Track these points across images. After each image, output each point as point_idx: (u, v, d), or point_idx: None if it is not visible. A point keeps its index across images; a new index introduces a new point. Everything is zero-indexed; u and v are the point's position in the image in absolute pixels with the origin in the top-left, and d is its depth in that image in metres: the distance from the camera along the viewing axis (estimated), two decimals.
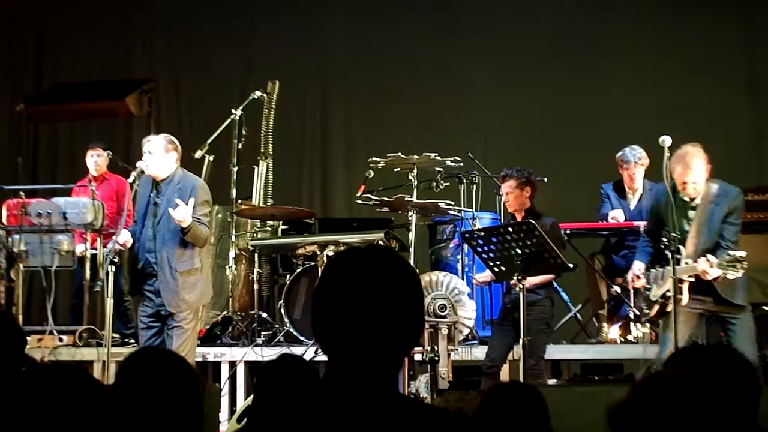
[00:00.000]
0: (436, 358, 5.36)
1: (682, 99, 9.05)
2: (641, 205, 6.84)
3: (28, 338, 5.79)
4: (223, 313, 7.12)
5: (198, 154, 7.17)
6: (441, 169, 6.83)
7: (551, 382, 6.09)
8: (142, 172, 5.61)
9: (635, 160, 6.76)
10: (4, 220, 7.03)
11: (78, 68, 10.08)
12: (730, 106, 9.20)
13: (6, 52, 10.37)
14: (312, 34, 9.90)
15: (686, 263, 5.15)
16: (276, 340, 6.82)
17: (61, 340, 6.78)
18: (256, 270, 7.05)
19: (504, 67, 9.50)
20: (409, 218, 6.51)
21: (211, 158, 7.32)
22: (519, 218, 5.71)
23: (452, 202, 6.77)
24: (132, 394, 2.28)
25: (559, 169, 8.07)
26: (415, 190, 6.61)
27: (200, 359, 6.49)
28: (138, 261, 5.66)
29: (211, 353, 6.70)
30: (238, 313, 7.10)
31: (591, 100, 9.32)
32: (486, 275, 6.09)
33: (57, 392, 2.05)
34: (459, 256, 7.00)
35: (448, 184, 6.96)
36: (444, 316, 5.48)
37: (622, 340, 6.72)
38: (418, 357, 5.58)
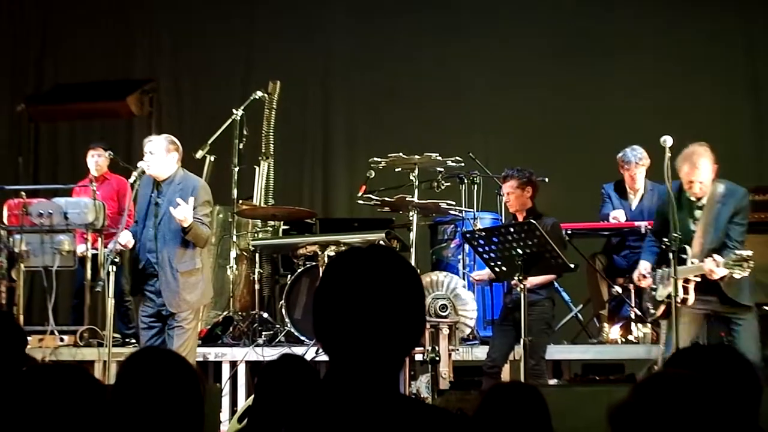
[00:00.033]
0: (437, 358, 5.36)
1: (682, 99, 9.05)
2: (642, 206, 6.85)
3: (29, 338, 5.79)
4: (224, 313, 7.12)
5: (199, 154, 7.18)
6: (442, 170, 6.83)
7: (552, 382, 6.09)
8: (143, 172, 5.61)
9: (636, 160, 6.76)
10: (5, 220, 7.04)
11: (78, 68, 10.08)
12: (730, 106, 9.20)
13: (7, 52, 10.37)
14: (312, 34, 9.90)
15: (692, 263, 5.15)
16: (277, 340, 6.82)
17: (62, 340, 6.78)
18: (257, 270, 7.05)
19: (504, 67, 9.50)
20: (410, 218, 6.52)
21: (212, 158, 7.32)
22: (520, 218, 5.71)
23: (453, 202, 6.77)
24: (133, 394, 2.28)
25: (559, 169, 8.07)
26: (416, 190, 6.61)
27: (201, 359, 6.49)
28: (139, 261, 5.66)
29: (212, 353, 6.70)
30: (239, 313, 7.10)
31: (591, 100, 9.32)
32: (483, 273, 6.10)
33: (58, 392, 2.05)
34: (460, 257, 7.00)
35: (449, 184, 6.96)
36: (445, 316, 5.48)
37: (623, 340, 6.72)
38: (419, 357, 5.58)
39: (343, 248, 6.30)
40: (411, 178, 6.65)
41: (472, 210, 7.00)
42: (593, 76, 9.34)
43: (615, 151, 7.01)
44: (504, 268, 5.27)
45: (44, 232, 6.88)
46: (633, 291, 6.70)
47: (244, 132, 7.42)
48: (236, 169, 7.37)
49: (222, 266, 7.27)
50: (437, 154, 6.59)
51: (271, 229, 7.49)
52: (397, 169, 6.84)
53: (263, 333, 6.83)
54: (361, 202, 6.99)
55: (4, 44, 10.38)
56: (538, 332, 5.50)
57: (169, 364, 2.36)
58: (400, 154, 6.60)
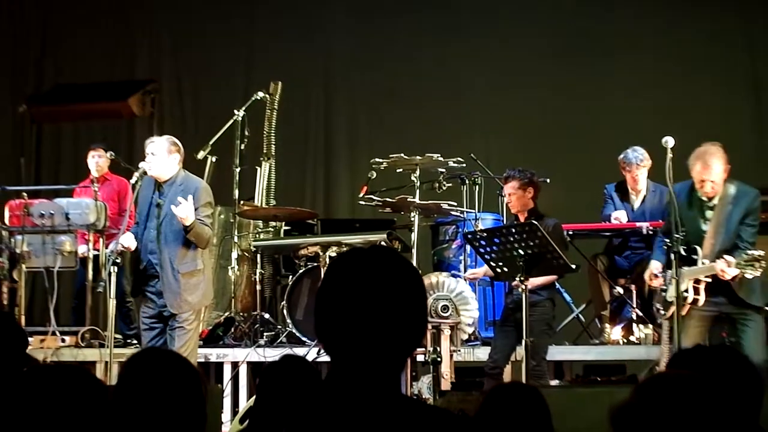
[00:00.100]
0: (439, 359, 5.36)
1: (682, 99, 9.05)
2: (644, 207, 6.84)
3: (30, 339, 5.81)
4: (226, 314, 7.13)
5: (200, 155, 7.18)
6: (443, 170, 6.83)
7: (554, 383, 6.08)
8: (145, 172, 5.61)
9: (637, 161, 6.75)
10: (6, 221, 7.04)
11: (78, 68, 10.09)
12: (731, 106, 9.20)
13: (7, 52, 10.37)
14: (312, 34, 9.91)
15: (703, 263, 5.16)
16: (278, 341, 6.82)
17: (63, 340, 6.78)
18: (258, 271, 7.05)
19: (504, 67, 9.50)
20: (412, 219, 6.52)
21: (214, 159, 7.33)
22: (522, 219, 5.70)
23: (455, 203, 6.78)
24: (135, 395, 2.28)
25: (560, 170, 8.07)
26: (417, 191, 6.61)
27: (203, 360, 6.49)
28: (140, 262, 5.66)
29: (214, 354, 6.70)
30: (241, 314, 7.10)
31: (591, 100, 9.32)
32: (477, 271, 6.11)
33: (60, 393, 2.06)
34: (461, 257, 7.00)
35: (450, 184, 6.97)
36: (446, 317, 5.48)
37: (625, 341, 6.73)
38: (420, 358, 5.58)
39: (345, 249, 6.30)
40: (412, 178, 6.65)
41: (473, 211, 7.01)
42: (593, 76, 9.34)
43: (615, 151, 7.01)
44: (505, 269, 5.26)
45: (46, 232, 6.88)
46: (635, 292, 6.70)
47: (246, 133, 7.42)
48: (238, 169, 7.38)
49: (223, 267, 7.28)
50: (439, 155, 6.59)
51: (272, 229, 7.50)
52: (398, 170, 6.84)
53: (265, 334, 6.83)
54: (362, 202, 7.00)
55: (4, 44, 10.39)
56: (539, 333, 5.50)
57: (171, 364, 2.36)
58: (402, 154, 6.60)
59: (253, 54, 10.10)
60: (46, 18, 10.45)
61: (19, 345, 3.38)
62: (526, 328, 5.09)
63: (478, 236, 5.41)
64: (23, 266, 6.91)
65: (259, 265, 7.07)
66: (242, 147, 7.42)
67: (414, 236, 6.48)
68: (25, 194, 7.05)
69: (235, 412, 6.30)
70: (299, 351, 6.34)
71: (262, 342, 6.73)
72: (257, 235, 7.46)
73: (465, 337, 5.71)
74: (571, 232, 6.65)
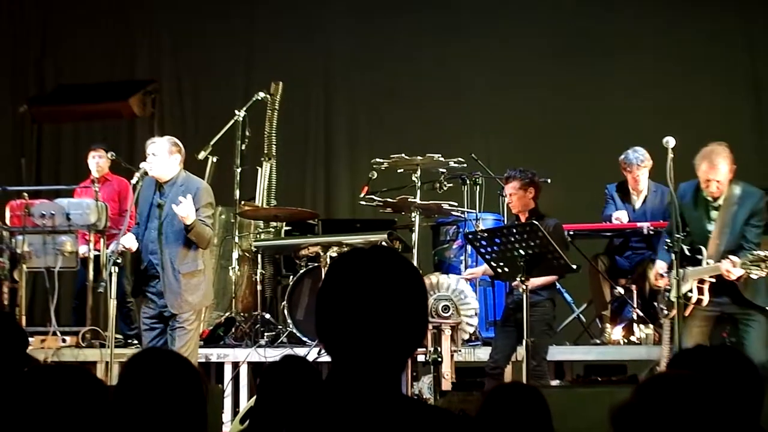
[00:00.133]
0: (440, 359, 5.36)
1: (682, 99, 9.06)
2: (645, 207, 6.84)
3: (31, 339, 5.82)
4: (227, 314, 7.13)
5: (201, 155, 7.18)
6: (444, 170, 6.83)
7: (554, 383, 6.08)
8: (146, 173, 5.62)
9: (638, 162, 6.75)
10: (7, 221, 7.05)
11: (79, 69, 10.10)
12: (731, 106, 9.20)
13: (7, 52, 10.38)
14: (312, 34, 9.91)
15: (708, 263, 5.16)
16: (279, 341, 6.82)
17: (64, 341, 6.79)
18: (259, 271, 7.05)
19: (504, 67, 9.50)
20: (413, 219, 6.52)
21: (215, 159, 7.33)
22: (523, 219, 5.70)
23: (455, 203, 6.78)
24: (135, 395, 2.28)
25: (560, 170, 8.07)
26: (418, 191, 6.61)
27: (203, 360, 6.49)
28: (141, 262, 5.67)
29: (214, 354, 6.70)
30: (242, 314, 7.10)
31: (591, 100, 9.33)
32: (475, 270, 6.11)
33: (61, 393, 2.06)
34: (462, 257, 7.00)
35: (451, 185, 6.96)
36: (447, 317, 5.48)
37: (626, 341, 6.72)
38: (421, 358, 5.58)
39: (346, 249, 6.30)
40: (413, 179, 6.65)
41: (474, 211, 7.01)
42: (593, 76, 9.34)
43: (615, 151, 7.01)
44: (506, 269, 5.26)
45: (46, 233, 6.89)
46: (635, 292, 6.70)
47: (247, 133, 7.42)
48: (238, 170, 7.38)
49: (224, 267, 7.28)
50: (439, 155, 6.59)
51: (273, 230, 7.50)
52: (399, 170, 6.84)
53: (265, 334, 6.83)
54: (363, 203, 6.99)
55: (4, 44, 10.39)
56: (540, 333, 5.50)
57: (172, 364, 2.36)
58: (403, 155, 6.60)
59: (253, 54, 10.10)
60: (46, 18, 10.45)
61: (20, 345, 3.38)
62: (526, 328, 5.09)
63: (479, 236, 5.41)
64: (24, 266, 6.92)
65: (259, 266, 7.07)
66: (243, 147, 7.42)
67: (415, 236, 6.48)
68: (25, 194, 7.05)
69: (235, 412, 6.30)
70: (300, 351, 6.33)
71: (262, 342, 6.73)
72: (258, 236, 7.46)
73: (466, 337, 5.71)
74: (571, 233, 6.65)
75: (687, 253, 5.24)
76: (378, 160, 6.75)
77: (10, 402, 2.04)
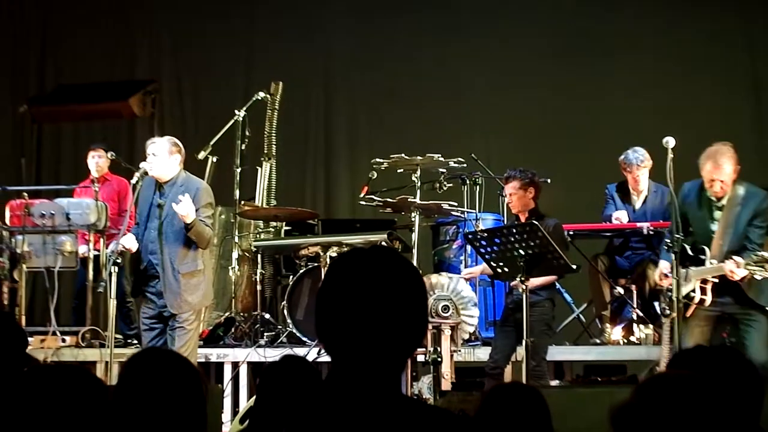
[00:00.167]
0: (439, 359, 5.36)
1: (682, 99, 9.06)
2: (646, 207, 6.84)
3: (31, 339, 5.82)
4: (226, 314, 7.13)
5: (201, 155, 7.18)
6: (444, 170, 6.83)
7: (554, 383, 6.08)
8: (146, 173, 5.62)
9: (637, 162, 6.74)
10: (7, 221, 7.05)
11: (79, 69, 10.10)
12: (731, 106, 9.20)
13: (7, 52, 10.38)
14: (312, 34, 9.91)
15: (711, 263, 5.16)
16: (279, 341, 6.82)
17: (63, 341, 6.79)
18: (259, 271, 7.04)
19: (504, 67, 9.51)
20: (412, 219, 6.52)
21: (215, 159, 7.33)
22: (523, 219, 5.70)
23: (455, 203, 6.77)
24: (135, 394, 2.28)
25: (560, 170, 8.07)
26: (418, 191, 6.61)
27: (203, 360, 6.49)
28: (141, 262, 5.67)
29: (214, 354, 6.70)
30: (241, 314, 7.10)
31: (591, 100, 9.33)
32: (473, 270, 6.11)
33: (62, 393, 2.06)
34: (462, 257, 7.00)
35: (451, 185, 6.96)
36: (447, 317, 5.48)
37: (625, 341, 6.72)
38: (421, 358, 5.58)
39: (346, 249, 6.30)
40: (413, 179, 6.65)
41: (474, 211, 7.01)
42: (593, 76, 9.34)
43: (615, 151, 7.01)
44: (506, 269, 5.26)
45: (46, 232, 6.89)
46: (635, 292, 6.70)
47: (247, 133, 7.42)
48: (238, 170, 7.38)
49: (224, 267, 7.28)
50: (439, 155, 6.59)
51: (273, 230, 7.50)
52: (399, 170, 6.84)
53: (265, 334, 6.83)
54: (363, 203, 6.99)
55: (4, 44, 10.39)
56: (539, 333, 5.50)
57: (171, 364, 2.36)
58: (402, 155, 6.60)
59: (253, 54, 10.10)
60: (46, 18, 10.45)
61: (19, 345, 3.37)
62: (526, 328, 5.09)
63: (478, 236, 5.41)
64: (24, 266, 6.92)
65: (259, 266, 7.06)
66: (243, 147, 7.42)
67: (415, 236, 6.48)
68: (25, 194, 7.05)
69: (235, 412, 6.30)
70: (300, 351, 6.34)
71: (262, 342, 6.73)
72: (258, 236, 7.46)
73: (466, 336, 5.71)
74: (571, 233, 6.65)
75: (690, 252, 5.25)
76: (378, 160, 6.74)
77: (10, 402, 2.04)
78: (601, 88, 9.35)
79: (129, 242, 5.60)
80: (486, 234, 5.39)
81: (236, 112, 7.39)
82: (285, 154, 8.37)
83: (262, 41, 10.08)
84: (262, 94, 7.60)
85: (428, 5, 9.78)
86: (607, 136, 8.69)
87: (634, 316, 6.72)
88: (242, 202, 7.35)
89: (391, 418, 1.74)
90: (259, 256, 7.11)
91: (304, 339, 6.72)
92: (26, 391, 2.06)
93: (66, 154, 10.11)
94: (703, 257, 5.20)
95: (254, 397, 3.28)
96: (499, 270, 5.31)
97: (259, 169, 7.69)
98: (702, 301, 5.17)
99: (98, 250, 7.00)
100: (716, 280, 5.15)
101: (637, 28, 9.41)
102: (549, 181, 6.59)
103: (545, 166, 7.15)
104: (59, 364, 2.58)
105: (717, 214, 5.26)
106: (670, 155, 5.17)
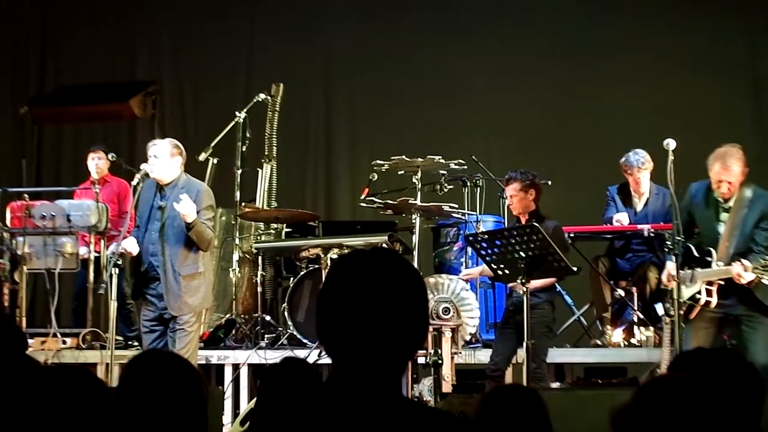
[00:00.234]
0: (440, 362, 5.36)
1: (683, 99, 9.05)
2: (647, 209, 6.82)
3: (31, 341, 5.82)
4: (227, 315, 7.12)
5: (202, 156, 7.18)
6: (445, 172, 6.83)
7: (554, 385, 6.08)
8: (147, 174, 5.62)
9: (638, 164, 6.73)
10: (8, 223, 7.05)
11: (79, 69, 10.09)
12: (731, 106, 9.19)
13: (7, 53, 10.38)
14: (312, 34, 9.91)
15: (717, 265, 5.15)
16: (279, 343, 6.81)
17: (64, 342, 6.79)
18: (259, 273, 7.04)
19: (504, 67, 9.50)
20: (413, 221, 6.52)
21: (215, 161, 7.33)
22: (523, 221, 5.70)
23: (456, 205, 6.77)
24: (136, 396, 2.28)
25: (560, 170, 8.08)
26: (418, 193, 6.61)
27: (203, 362, 6.48)
28: (141, 264, 5.67)
29: (215, 356, 6.70)
30: (242, 315, 7.10)
31: (591, 100, 9.32)
32: (472, 271, 6.11)
33: (63, 394, 2.06)
34: (463, 259, 7.00)
35: (452, 186, 6.96)
36: (448, 319, 5.48)
37: (626, 343, 6.72)
38: (421, 360, 5.58)
39: (346, 251, 6.30)
40: (414, 180, 6.65)
41: (474, 213, 7.00)
42: (593, 76, 9.34)
43: (615, 151, 7.01)
44: (507, 271, 5.26)
45: (47, 234, 6.88)
46: (636, 294, 6.69)
47: (247, 134, 7.42)
48: (239, 171, 7.38)
49: (225, 269, 7.27)
50: (440, 157, 6.59)
51: (273, 231, 7.49)
52: (399, 172, 6.85)
53: (266, 336, 6.82)
54: (363, 204, 6.99)
55: (4, 44, 10.40)
56: (539, 335, 5.49)
57: (172, 366, 2.36)
58: (403, 156, 6.60)
59: (253, 54, 10.10)
60: (46, 18, 10.45)
61: (18, 346, 3.37)
62: (527, 330, 5.09)
63: (479, 238, 5.41)
64: (24, 268, 6.92)
65: (260, 267, 7.06)
66: (243, 149, 7.42)
67: (415, 238, 6.48)
68: (26, 196, 7.06)
69: (236, 414, 6.30)
70: (300, 353, 6.34)
71: (263, 344, 6.72)
72: (258, 237, 7.46)
73: (468, 337, 5.71)
74: (572, 234, 6.64)
75: (696, 254, 5.24)
76: (378, 161, 6.75)
77: (13, 403, 2.05)
78: (601, 88, 9.35)
79: (130, 246, 5.60)
80: (487, 236, 5.39)
81: (237, 113, 7.39)
82: (285, 154, 8.37)
83: (262, 41, 10.08)
84: (262, 96, 7.60)
85: (428, 5, 9.78)
86: (607, 136, 8.69)
87: (635, 319, 6.71)
88: (243, 204, 7.35)
89: (392, 420, 1.74)
90: (259, 257, 7.10)
91: (305, 341, 6.71)
92: (29, 392, 2.06)
93: (66, 155, 10.10)
94: (709, 259, 5.20)
95: (255, 399, 3.27)
96: (500, 272, 5.31)
97: (260, 170, 7.68)
98: (707, 303, 5.16)
99: (99, 252, 7.00)
100: (722, 282, 5.14)
101: (637, 28, 9.41)
102: (550, 183, 6.59)
103: (546, 167, 7.15)
104: (61, 366, 2.58)
105: (724, 215, 5.26)
106: (671, 157, 5.17)
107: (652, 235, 6.60)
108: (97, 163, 7.61)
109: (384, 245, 6.33)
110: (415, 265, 6.08)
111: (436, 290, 5.59)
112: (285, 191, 8.16)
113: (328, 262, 6.51)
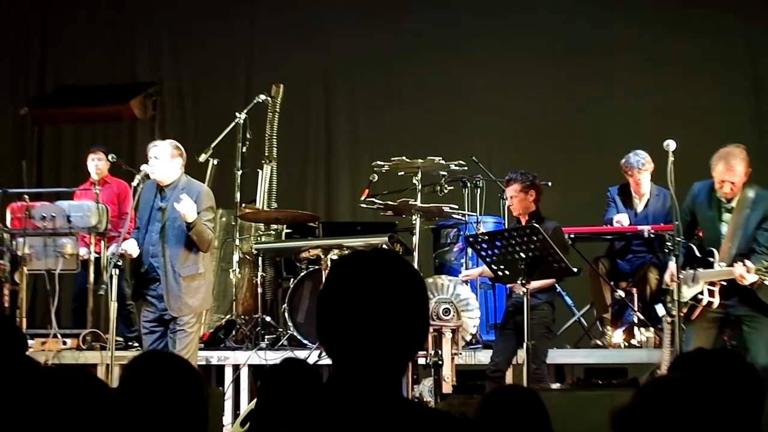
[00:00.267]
0: (440, 362, 5.36)
1: (682, 99, 9.05)
2: (648, 210, 6.82)
3: (31, 342, 5.82)
4: (227, 316, 7.12)
5: (202, 157, 7.18)
6: (445, 173, 6.83)
7: (555, 386, 6.08)
8: (147, 175, 5.63)
9: (639, 165, 6.73)
10: (8, 224, 7.05)
11: (79, 69, 10.10)
12: (730, 106, 9.19)
13: (7, 53, 10.38)
14: (312, 34, 9.91)
15: (719, 266, 5.15)
16: (280, 343, 6.82)
17: (64, 343, 6.79)
18: (259, 274, 7.04)
19: (504, 67, 9.50)
20: (413, 222, 6.52)
21: (216, 162, 7.33)
22: (523, 222, 5.70)
23: (456, 206, 6.77)
24: (137, 397, 2.28)
25: (561, 171, 8.07)
26: (419, 194, 6.61)
27: (204, 363, 6.48)
28: (142, 265, 5.67)
29: (215, 357, 6.70)
30: (242, 316, 7.10)
31: (591, 100, 9.32)
32: (471, 272, 6.11)
33: (65, 395, 2.06)
34: (463, 260, 7.00)
35: (452, 187, 6.96)
36: (448, 320, 5.48)
37: (626, 344, 6.71)
38: (422, 361, 5.58)
39: (346, 252, 6.30)
40: (414, 181, 6.65)
41: (475, 214, 7.01)
42: (593, 76, 9.34)
43: (616, 152, 7.00)
44: (507, 272, 5.26)
45: (47, 235, 6.88)
46: (636, 295, 6.69)
47: (248, 135, 7.42)
48: (239, 172, 7.38)
49: (225, 270, 7.28)
50: (440, 158, 6.59)
51: (273, 232, 7.50)
52: (400, 173, 6.84)
53: (266, 337, 6.83)
54: (364, 205, 6.99)
55: (4, 44, 10.40)
56: (539, 336, 5.49)
57: (173, 367, 2.36)
58: (403, 157, 6.60)
59: (253, 54, 10.10)
60: (46, 18, 10.45)
61: (18, 347, 3.37)
62: (527, 331, 5.09)
63: (479, 239, 5.41)
64: (25, 269, 6.92)
65: (260, 268, 7.06)
66: (244, 150, 7.41)
67: (415, 239, 6.48)
68: (26, 197, 7.06)
69: (236, 415, 6.30)
70: (300, 354, 6.33)
71: (263, 345, 6.72)
72: (259, 238, 7.46)
73: (468, 338, 5.71)
74: (572, 235, 6.64)
75: (698, 254, 5.24)
76: (379, 162, 6.75)
77: (13, 404, 2.05)
78: (601, 88, 9.35)
79: (130, 247, 5.60)
80: (487, 237, 5.39)
81: (237, 114, 7.39)
82: (285, 154, 8.37)
83: (262, 41, 10.08)
84: (262, 97, 7.60)
85: (428, 5, 9.78)
86: (608, 136, 8.69)
87: (635, 319, 6.71)
88: (243, 205, 7.35)
89: (392, 421, 1.73)
90: (259, 258, 7.10)
91: (305, 342, 6.71)
92: (30, 393, 2.06)
93: (67, 156, 10.10)
94: (711, 259, 5.20)
95: (255, 400, 3.28)
96: (500, 273, 5.31)
97: (260, 171, 7.69)
98: (710, 303, 5.16)
99: (99, 253, 7.00)
100: (725, 283, 5.14)
101: (637, 28, 9.41)
102: (550, 184, 6.59)
103: (546, 167, 7.15)
104: (62, 367, 2.59)
105: (726, 216, 5.26)
106: (671, 158, 5.17)
107: (652, 236, 6.59)
108: (97, 164, 7.61)
109: (384, 246, 6.34)
110: (416, 266, 6.08)
111: (436, 291, 5.59)
112: (285, 192, 8.16)
113: (329, 263, 6.51)
